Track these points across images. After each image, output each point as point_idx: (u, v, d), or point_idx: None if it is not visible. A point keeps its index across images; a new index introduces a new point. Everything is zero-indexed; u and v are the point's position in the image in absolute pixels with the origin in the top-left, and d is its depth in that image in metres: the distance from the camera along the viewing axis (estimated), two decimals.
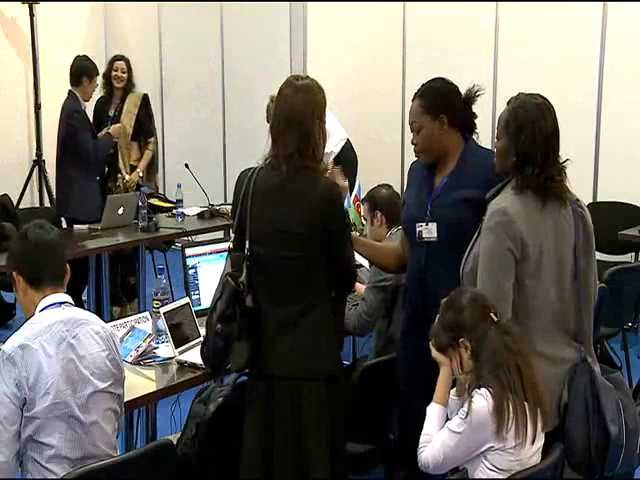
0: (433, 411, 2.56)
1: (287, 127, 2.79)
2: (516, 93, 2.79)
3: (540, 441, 2.51)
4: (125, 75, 6.26)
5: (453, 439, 2.45)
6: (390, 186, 4.08)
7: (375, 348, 3.85)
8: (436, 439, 2.49)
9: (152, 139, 6.44)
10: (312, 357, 2.81)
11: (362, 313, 3.77)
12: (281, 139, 2.80)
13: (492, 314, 2.51)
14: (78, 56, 6.02)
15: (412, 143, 3.11)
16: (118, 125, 6.13)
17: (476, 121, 3.12)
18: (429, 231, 3.03)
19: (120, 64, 6.28)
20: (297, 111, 2.79)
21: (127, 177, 6.26)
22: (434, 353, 2.58)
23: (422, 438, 2.53)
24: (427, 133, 3.05)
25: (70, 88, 5.88)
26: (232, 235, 2.96)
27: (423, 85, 3.11)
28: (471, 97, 3.08)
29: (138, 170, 6.30)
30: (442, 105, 3.04)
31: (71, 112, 5.79)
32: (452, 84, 3.11)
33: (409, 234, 3.14)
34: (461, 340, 2.50)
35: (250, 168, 2.90)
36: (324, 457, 2.80)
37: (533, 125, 2.66)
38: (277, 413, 2.81)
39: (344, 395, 2.92)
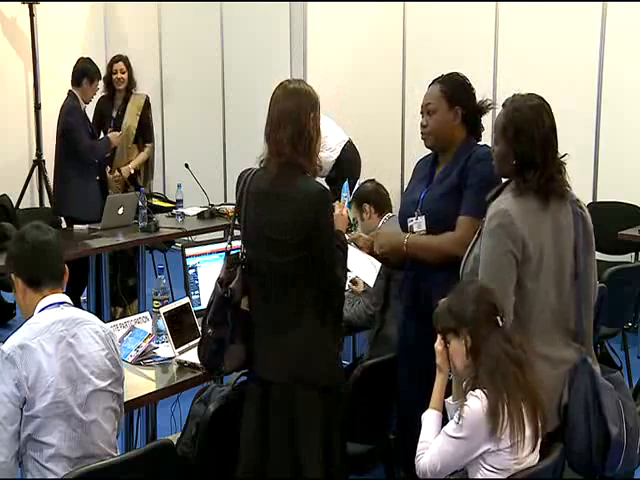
0: (430, 418, 2.55)
1: (279, 123, 2.79)
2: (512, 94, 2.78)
3: (538, 441, 2.50)
4: (125, 75, 6.20)
5: (450, 444, 2.44)
6: (373, 179, 4.17)
7: (370, 348, 3.85)
8: (433, 445, 2.47)
9: (150, 144, 6.35)
10: (306, 365, 2.81)
11: (367, 307, 3.80)
12: (273, 136, 2.80)
13: (498, 317, 2.49)
14: (81, 58, 6.03)
15: (422, 125, 3.13)
16: (118, 133, 6.07)
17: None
18: (419, 224, 3.09)
19: (119, 65, 6.21)
20: (288, 107, 2.79)
21: (120, 170, 6.18)
22: (437, 344, 2.55)
23: (419, 445, 2.51)
24: (440, 118, 3.08)
25: (70, 88, 5.88)
26: (229, 236, 2.97)
27: (444, 75, 3.14)
28: (483, 107, 3.10)
29: (130, 165, 6.21)
30: (460, 97, 3.08)
31: (70, 109, 5.79)
32: (472, 86, 3.14)
33: (403, 230, 3.18)
34: (462, 331, 2.48)
35: (249, 169, 2.91)
36: (315, 458, 2.80)
37: (530, 128, 2.65)
38: (272, 415, 2.82)
39: (342, 397, 2.92)
